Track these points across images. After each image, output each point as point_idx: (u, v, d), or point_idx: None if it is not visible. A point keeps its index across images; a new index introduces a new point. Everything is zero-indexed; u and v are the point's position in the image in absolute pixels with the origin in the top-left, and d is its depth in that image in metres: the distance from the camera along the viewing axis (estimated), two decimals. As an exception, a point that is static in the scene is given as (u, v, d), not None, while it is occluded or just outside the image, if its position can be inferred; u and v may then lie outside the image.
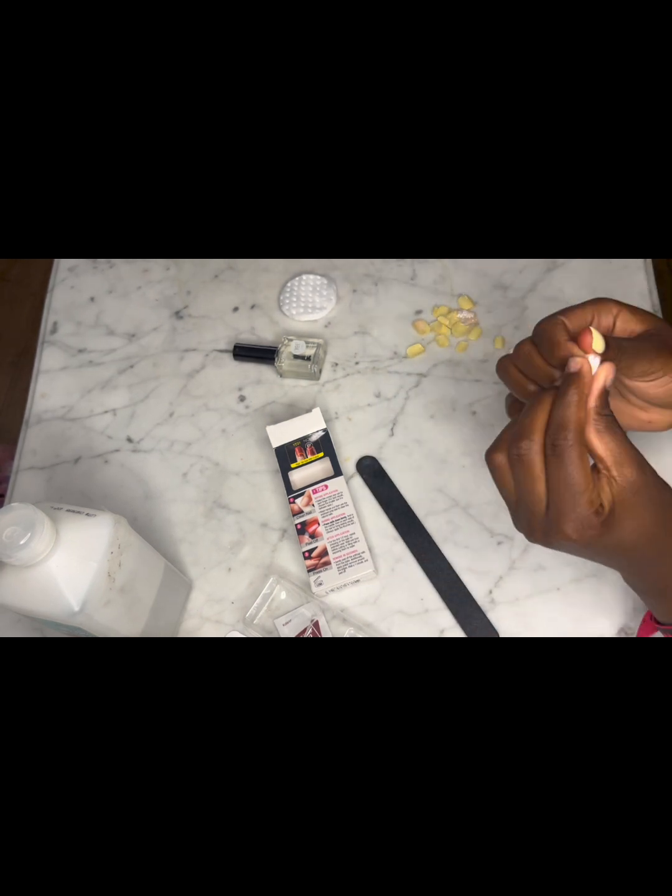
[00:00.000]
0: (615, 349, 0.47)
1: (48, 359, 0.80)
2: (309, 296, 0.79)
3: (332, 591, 0.65)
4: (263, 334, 0.79)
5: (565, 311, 0.48)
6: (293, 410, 0.74)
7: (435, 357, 0.75)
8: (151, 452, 0.74)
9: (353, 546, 0.64)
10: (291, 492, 0.68)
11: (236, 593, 0.66)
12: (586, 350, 0.45)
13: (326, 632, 0.63)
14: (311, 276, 0.80)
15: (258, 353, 0.76)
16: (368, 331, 0.78)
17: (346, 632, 0.63)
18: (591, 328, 0.46)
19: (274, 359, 0.75)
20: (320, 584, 0.63)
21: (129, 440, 0.75)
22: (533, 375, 0.49)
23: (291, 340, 0.75)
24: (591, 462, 0.44)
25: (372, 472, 0.70)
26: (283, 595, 0.65)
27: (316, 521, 0.66)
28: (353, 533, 0.65)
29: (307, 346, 0.75)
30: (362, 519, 0.68)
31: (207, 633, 0.65)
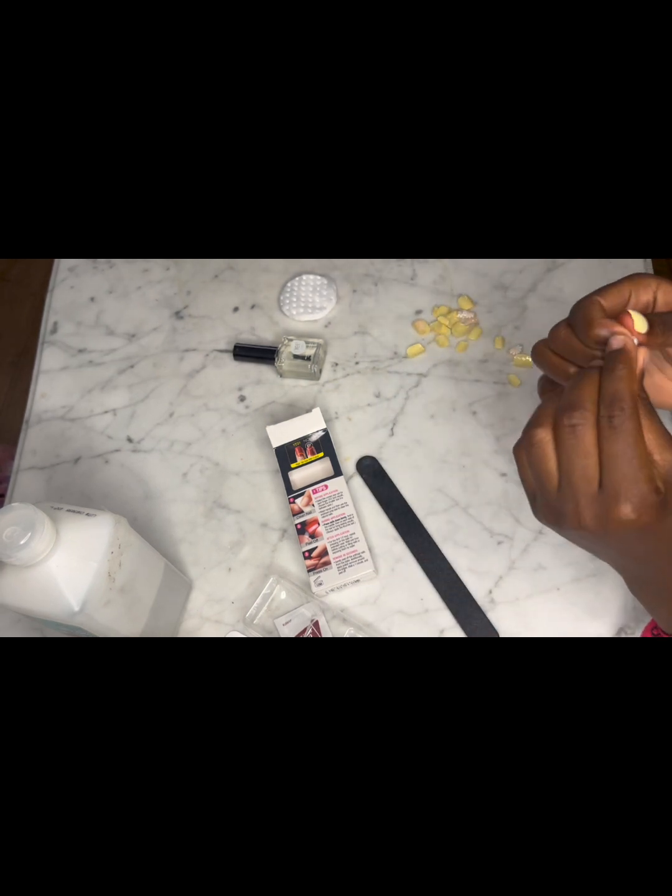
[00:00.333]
0: (660, 325, 0.45)
1: (48, 359, 0.80)
2: (309, 296, 0.79)
3: (332, 591, 0.65)
4: (263, 334, 0.79)
5: (601, 290, 0.46)
6: (293, 410, 0.74)
7: (435, 357, 0.75)
8: (151, 452, 0.74)
9: (353, 546, 0.64)
10: (291, 492, 0.68)
11: (236, 593, 0.66)
12: (631, 332, 0.43)
13: (326, 632, 0.63)
14: (311, 276, 0.80)
15: (258, 353, 0.76)
16: (368, 331, 0.78)
17: (346, 632, 0.63)
18: (630, 311, 0.44)
19: (274, 359, 0.75)
20: (320, 584, 0.63)
21: (130, 440, 0.75)
22: (572, 358, 0.46)
23: (291, 340, 0.75)
24: None
25: (372, 472, 0.70)
26: (283, 595, 0.65)
27: (316, 521, 0.66)
28: (353, 533, 0.65)
29: (307, 346, 0.75)
30: (362, 519, 0.68)
31: (207, 633, 0.65)
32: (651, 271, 0.77)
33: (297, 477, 0.69)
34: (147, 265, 0.85)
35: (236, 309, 0.81)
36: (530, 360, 0.73)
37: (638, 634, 0.61)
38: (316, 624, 0.63)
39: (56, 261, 0.87)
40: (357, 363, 0.76)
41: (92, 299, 0.83)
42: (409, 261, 0.81)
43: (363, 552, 0.64)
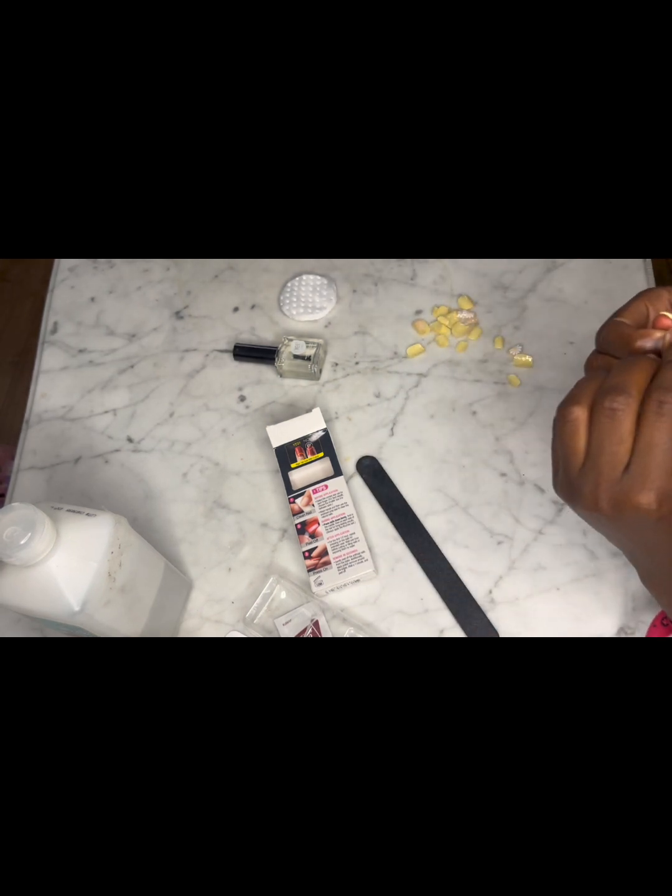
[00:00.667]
0: None
1: (48, 359, 0.80)
2: (309, 296, 0.79)
3: (332, 590, 0.65)
4: (263, 334, 0.79)
5: (618, 312, 0.46)
6: (293, 410, 0.74)
7: (435, 357, 0.75)
8: (152, 452, 0.74)
9: (353, 546, 0.64)
10: (291, 492, 0.68)
11: (236, 593, 0.66)
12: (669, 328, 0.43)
13: (326, 632, 0.63)
14: (311, 276, 0.80)
15: (258, 353, 0.77)
16: (368, 331, 0.78)
17: (346, 632, 0.63)
18: (665, 313, 0.44)
19: (274, 359, 0.75)
20: (320, 583, 0.63)
21: (130, 440, 0.75)
22: (625, 344, 0.45)
23: (291, 340, 0.75)
24: None
25: (372, 472, 0.70)
26: (283, 595, 0.65)
27: (316, 521, 0.66)
28: (353, 533, 0.65)
29: (307, 346, 0.75)
30: (362, 519, 0.68)
31: (207, 633, 0.65)
32: (651, 271, 0.77)
33: (297, 477, 0.69)
34: (147, 265, 0.85)
35: (236, 309, 0.81)
36: (530, 360, 0.73)
37: (638, 634, 0.61)
38: (316, 624, 0.63)
39: (56, 261, 0.87)
40: (357, 363, 0.76)
41: (92, 299, 0.83)
42: (409, 261, 0.81)
43: (363, 552, 0.64)
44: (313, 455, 0.69)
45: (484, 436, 0.71)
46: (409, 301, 0.79)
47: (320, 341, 0.75)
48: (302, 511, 0.67)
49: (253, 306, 0.81)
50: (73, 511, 0.53)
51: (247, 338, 0.79)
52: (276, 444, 0.70)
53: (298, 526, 0.66)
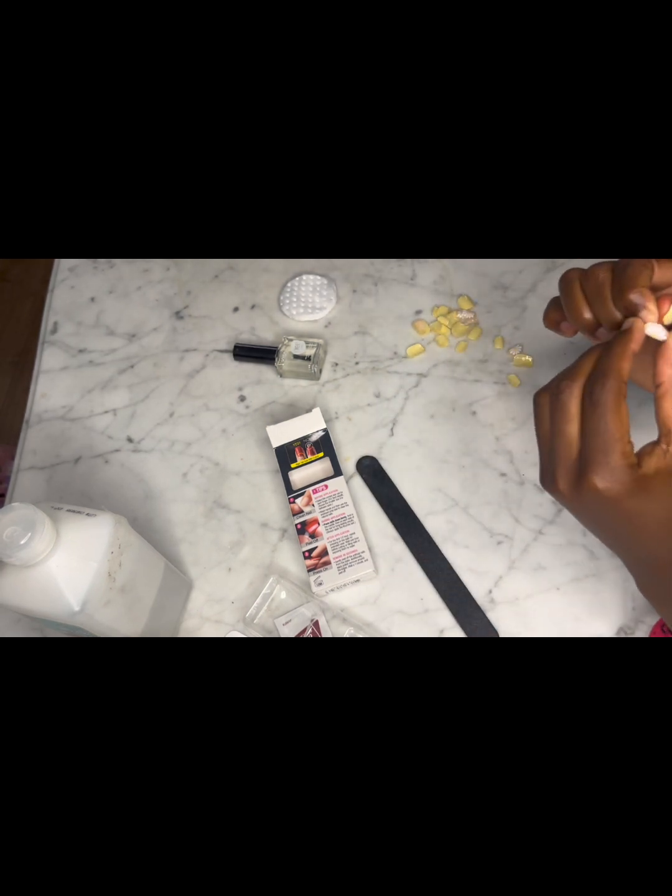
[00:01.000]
0: None
1: (48, 359, 0.80)
2: (309, 296, 0.79)
3: (332, 590, 0.65)
4: (263, 334, 0.79)
5: (659, 260, 0.47)
6: (293, 410, 0.74)
7: (435, 357, 0.75)
8: (151, 452, 0.74)
9: (353, 546, 0.65)
10: (291, 492, 0.68)
11: (236, 593, 0.66)
12: (661, 316, 0.44)
13: (326, 632, 0.63)
14: (311, 276, 0.80)
15: (258, 353, 0.77)
16: (368, 331, 0.78)
17: (346, 632, 0.63)
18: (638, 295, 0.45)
19: (274, 359, 0.75)
20: (320, 583, 0.63)
21: (130, 440, 0.75)
22: (593, 304, 0.47)
23: (291, 340, 0.75)
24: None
25: (372, 472, 0.70)
26: (283, 595, 0.65)
27: (316, 521, 0.66)
28: (353, 533, 0.65)
29: (307, 346, 0.75)
30: (362, 519, 0.68)
31: (207, 633, 0.65)
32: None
33: (297, 477, 0.69)
34: (147, 265, 0.85)
35: (236, 309, 0.81)
36: (530, 360, 0.73)
37: (638, 634, 0.61)
38: (316, 624, 0.63)
39: (56, 261, 0.87)
40: (357, 363, 0.76)
41: (92, 299, 0.83)
42: (409, 261, 0.81)
43: (363, 552, 0.64)
44: (313, 455, 0.69)
45: (484, 436, 0.71)
46: (409, 301, 0.79)
47: (320, 341, 0.75)
48: (302, 511, 0.67)
49: (253, 306, 0.81)
50: (73, 511, 0.53)
51: (247, 338, 0.79)
52: (276, 444, 0.70)
53: (298, 526, 0.66)
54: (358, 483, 0.70)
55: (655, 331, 0.46)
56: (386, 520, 0.68)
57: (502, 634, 0.62)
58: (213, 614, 0.66)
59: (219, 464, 0.73)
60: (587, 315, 0.48)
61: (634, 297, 0.46)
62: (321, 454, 0.69)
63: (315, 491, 0.67)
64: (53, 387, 0.79)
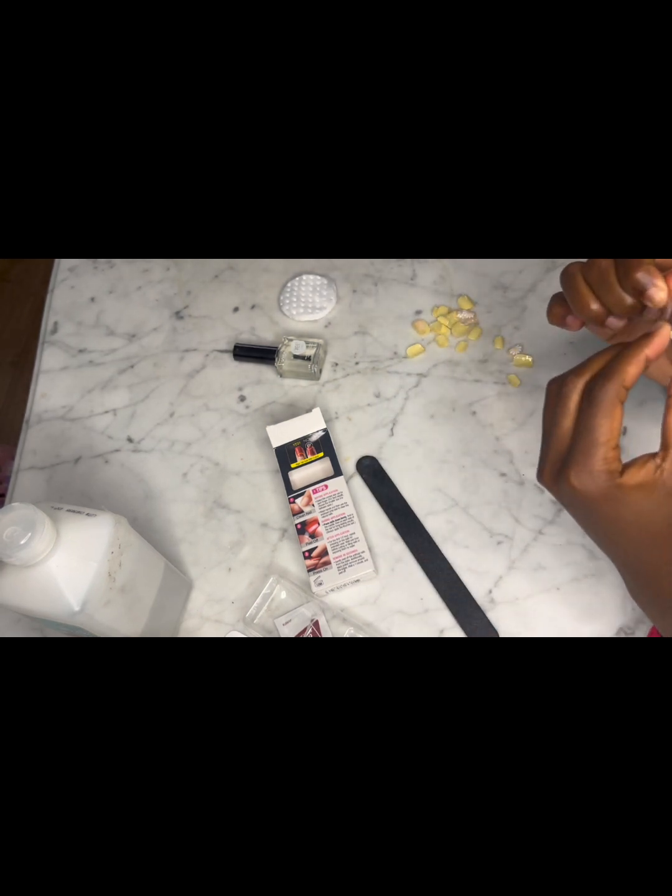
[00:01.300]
0: None
1: (48, 359, 0.80)
2: (309, 296, 0.79)
3: (332, 590, 0.65)
4: (263, 334, 0.79)
5: (656, 260, 0.46)
6: (293, 410, 0.74)
7: (435, 357, 0.75)
8: (151, 452, 0.74)
9: (353, 546, 0.65)
10: (291, 492, 0.68)
11: (236, 593, 0.66)
12: (670, 291, 0.43)
13: (326, 632, 0.63)
14: (311, 276, 0.80)
15: (258, 353, 0.77)
16: (368, 331, 0.78)
17: (346, 632, 0.63)
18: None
19: (274, 359, 0.75)
20: (320, 583, 0.63)
21: (130, 440, 0.75)
22: (599, 292, 0.46)
23: (291, 340, 0.75)
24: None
25: (372, 472, 0.70)
26: (283, 595, 0.65)
27: (316, 521, 0.66)
28: (353, 533, 0.65)
29: (307, 346, 0.75)
30: (362, 519, 0.68)
31: (207, 633, 0.65)
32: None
33: (297, 477, 0.69)
34: (147, 265, 0.85)
35: (236, 309, 0.81)
36: (530, 360, 0.73)
37: (638, 634, 0.61)
38: (316, 624, 0.63)
39: (56, 261, 0.87)
40: (357, 363, 0.76)
41: (92, 299, 0.83)
42: (409, 261, 0.81)
43: (363, 552, 0.64)
44: (313, 455, 0.69)
45: (484, 436, 0.71)
46: (409, 301, 0.79)
47: (320, 341, 0.75)
48: (302, 511, 0.67)
49: (253, 306, 0.81)
50: (73, 511, 0.53)
51: (247, 338, 0.79)
52: (276, 444, 0.70)
53: (298, 526, 0.66)
54: (358, 483, 0.70)
55: None
56: (386, 520, 0.68)
57: (502, 634, 0.62)
58: (213, 614, 0.66)
59: (219, 464, 0.73)
60: (594, 305, 0.47)
61: (641, 276, 0.45)
62: (321, 454, 0.69)
63: (315, 491, 0.67)
64: (53, 387, 0.79)
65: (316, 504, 0.67)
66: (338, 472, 0.68)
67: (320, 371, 0.76)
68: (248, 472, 0.72)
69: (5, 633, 0.66)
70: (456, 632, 0.63)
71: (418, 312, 0.78)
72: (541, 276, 0.78)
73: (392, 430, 0.72)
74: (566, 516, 0.66)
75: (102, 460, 0.74)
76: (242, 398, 0.76)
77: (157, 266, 0.84)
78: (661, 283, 0.44)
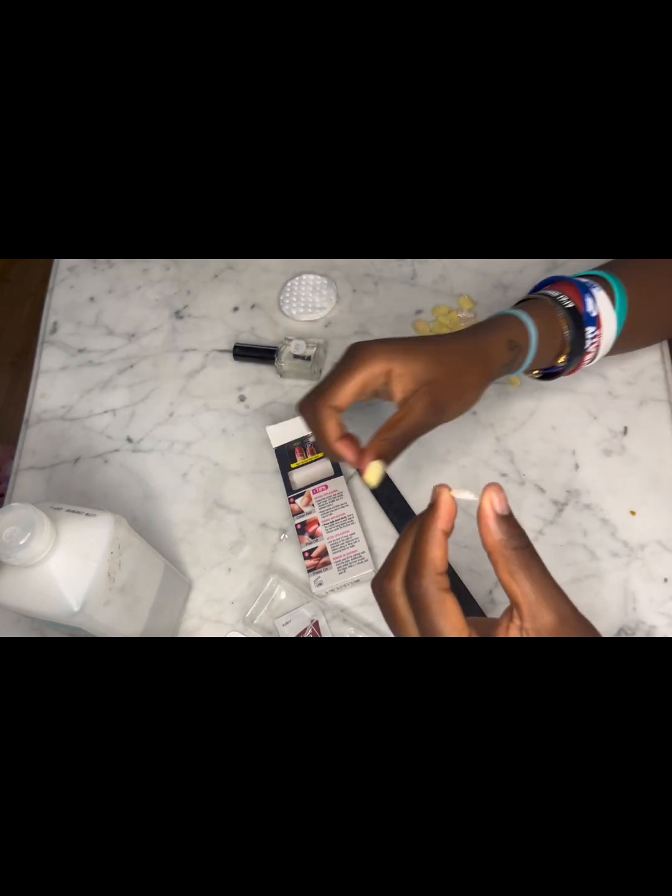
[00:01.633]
0: (390, 444, 0.51)
1: (48, 359, 0.80)
2: (309, 296, 0.79)
3: (332, 591, 0.64)
4: (263, 334, 0.79)
5: (327, 390, 0.52)
6: (293, 410, 0.74)
7: (435, 357, 0.75)
8: (151, 452, 0.74)
9: (353, 546, 0.64)
10: (291, 492, 0.68)
11: (236, 593, 0.66)
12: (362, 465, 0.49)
13: (326, 632, 0.63)
14: (311, 276, 0.80)
15: (258, 353, 0.76)
16: (368, 331, 0.78)
17: (347, 632, 0.63)
18: (371, 463, 0.48)
19: (274, 359, 0.75)
20: (320, 584, 0.63)
21: (129, 440, 0.75)
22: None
23: (291, 340, 0.75)
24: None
25: (372, 472, 0.70)
26: (283, 595, 0.65)
27: (316, 521, 0.66)
28: (353, 533, 0.65)
29: (307, 346, 0.75)
30: (362, 519, 0.68)
31: (207, 633, 0.65)
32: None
33: (298, 477, 0.69)
34: (147, 265, 0.85)
35: (236, 309, 0.81)
36: (530, 360, 0.73)
37: (638, 634, 0.61)
38: (316, 624, 0.63)
39: (56, 261, 0.87)
40: (357, 363, 0.76)
41: (92, 299, 0.83)
42: (409, 261, 0.81)
43: (363, 552, 0.64)
44: (313, 455, 0.69)
45: (484, 436, 0.71)
46: (410, 301, 0.78)
47: (320, 341, 0.75)
48: (302, 511, 0.66)
49: (253, 306, 0.81)
50: (73, 511, 0.53)
51: (247, 338, 0.79)
52: (276, 444, 0.70)
53: (298, 526, 0.66)
54: (358, 483, 0.70)
55: (463, 496, 0.42)
56: (386, 520, 0.68)
57: (502, 635, 0.62)
58: (212, 614, 0.66)
59: (219, 464, 0.72)
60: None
61: (346, 457, 0.51)
62: (321, 454, 0.69)
63: (315, 491, 0.67)
64: (53, 387, 0.78)
65: (316, 504, 0.67)
66: (338, 472, 0.68)
67: (320, 371, 0.76)
68: (248, 472, 0.72)
69: (5, 634, 0.66)
70: (456, 632, 0.63)
71: (419, 312, 0.78)
72: (541, 276, 0.78)
73: (392, 430, 0.72)
74: (566, 516, 0.66)
75: (102, 460, 0.74)
76: (242, 398, 0.76)
77: (157, 266, 0.84)
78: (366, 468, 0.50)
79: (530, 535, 0.65)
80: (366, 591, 0.65)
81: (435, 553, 0.40)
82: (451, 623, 0.39)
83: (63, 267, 0.86)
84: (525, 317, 0.58)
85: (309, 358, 0.74)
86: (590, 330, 0.60)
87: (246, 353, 0.77)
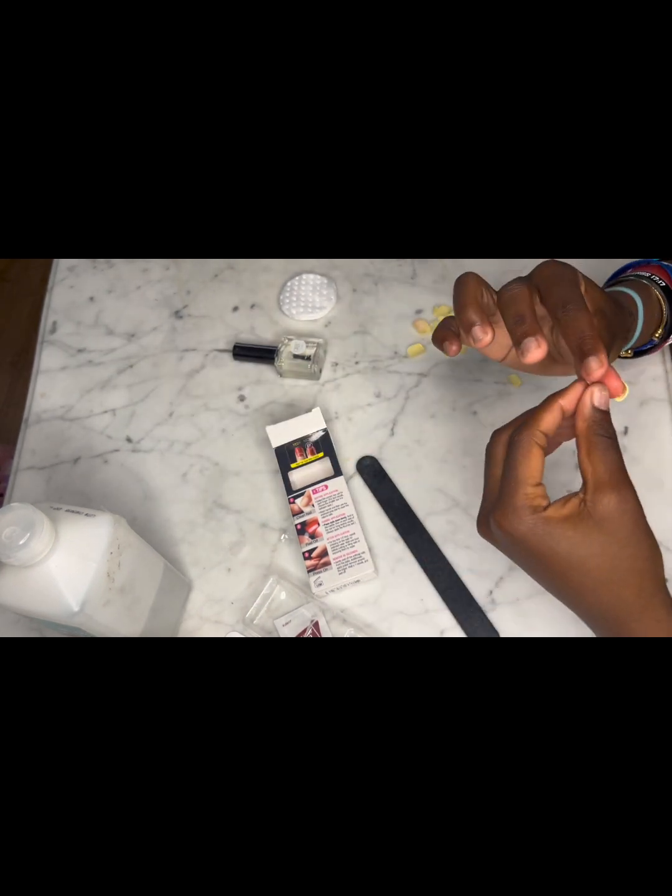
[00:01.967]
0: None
1: (48, 358, 0.80)
2: (309, 295, 0.79)
3: (332, 591, 0.64)
4: (263, 334, 0.79)
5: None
6: (293, 410, 0.74)
7: (435, 357, 0.75)
8: (151, 452, 0.74)
9: (353, 546, 0.64)
10: (291, 492, 0.68)
11: (236, 593, 0.66)
12: (613, 393, 0.46)
13: (326, 632, 0.63)
14: (311, 276, 0.80)
15: (258, 353, 0.76)
16: (368, 330, 0.78)
17: (347, 632, 0.63)
18: (616, 382, 0.46)
19: (274, 359, 0.75)
20: (320, 584, 0.63)
21: (129, 440, 0.75)
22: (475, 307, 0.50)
23: (291, 340, 0.75)
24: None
25: (372, 472, 0.70)
26: (282, 595, 0.65)
27: (316, 522, 0.66)
28: (353, 533, 0.65)
29: (307, 346, 0.75)
30: (362, 519, 0.68)
31: (207, 634, 0.65)
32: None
33: (297, 477, 0.69)
34: (147, 265, 0.84)
35: (236, 308, 0.81)
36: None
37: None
38: (316, 624, 0.63)
39: (55, 261, 0.87)
40: (357, 363, 0.76)
41: (91, 299, 0.83)
42: (409, 261, 0.81)
43: (363, 552, 0.64)
44: (313, 455, 0.69)
45: (484, 436, 0.70)
46: (410, 300, 0.78)
47: (320, 341, 0.75)
48: (302, 511, 0.66)
49: (253, 306, 0.81)
50: (72, 511, 0.53)
51: (246, 337, 0.79)
52: (275, 444, 0.70)
53: (298, 526, 0.66)
54: (358, 483, 0.70)
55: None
56: (386, 520, 0.68)
57: (503, 635, 0.62)
58: (212, 615, 0.66)
59: (218, 464, 0.72)
60: (471, 313, 0.50)
61: (471, 316, 0.49)
62: (321, 454, 0.69)
63: (315, 491, 0.67)
64: (52, 386, 0.78)
65: (316, 504, 0.66)
66: (338, 472, 0.68)
67: (320, 371, 0.75)
68: (248, 472, 0.72)
69: (5, 634, 0.66)
70: (456, 632, 0.63)
71: (419, 312, 0.78)
72: (541, 276, 0.78)
73: (392, 429, 0.72)
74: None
75: (101, 460, 0.74)
76: (242, 398, 0.76)
77: (157, 265, 0.84)
78: (480, 333, 0.48)
79: (530, 535, 0.65)
80: (366, 591, 0.65)
81: (547, 416, 0.46)
82: (528, 467, 0.45)
83: (63, 267, 0.86)
84: (632, 292, 0.60)
85: (309, 357, 0.74)
86: None
87: (246, 352, 0.77)
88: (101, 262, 0.85)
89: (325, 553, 0.64)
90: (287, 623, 0.64)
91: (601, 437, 0.45)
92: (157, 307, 0.82)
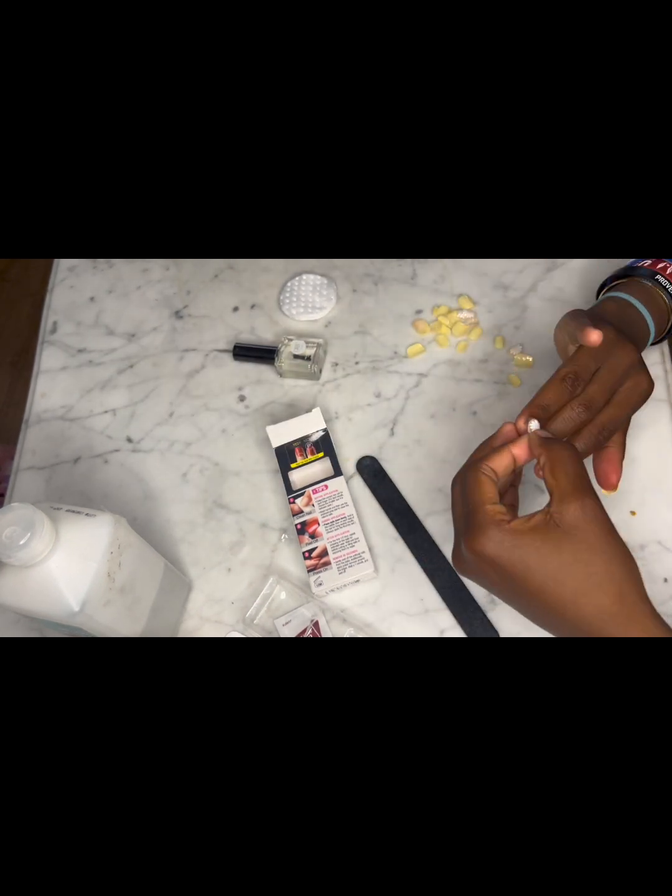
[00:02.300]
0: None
1: (48, 359, 0.80)
2: (309, 296, 0.79)
3: (332, 591, 0.64)
4: (263, 334, 0.79)
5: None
6: (293, 410, 0.74)
7: (435, 357, 0.75)
8: (151, 452, 0.74)
9: (353, 546, 0.64)
10: (291, 492, 0.68)
11: (236, 593, 0.66)
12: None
13: (326, 632, 0.63)
14: (311, 276, 0.80)
15: (258, 353, 0.76)
16: (368, 331, 0.78)
17: (346, 632, 0.63)
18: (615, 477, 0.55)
19: (274, 359, 0.75)
20: (320, 584, 0.63)
21: (129, 440, 0.75)
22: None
23: (291, 340, 0.75)
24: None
25: (372, 472, 0.70)
26: (282, 595, 0.65)
27: (316, 521, 0.66)
28: (353, 533, 0.65)
29: (307, 346, 0.75)
30: (362, 519, 0.68)
31: (207, 634, 0.65)
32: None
33: (297, 477, 0.69)
34: (147, 265, 0.85)
35: (236, 309, 0.81)
36: (530, 360, 0.73)
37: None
38: (316, 624, 0.63)
39: (56, 261, 0.87)
40: (357, 363, 0.76)
41: (91, 299, 0.83)
42: (409, 261, 0.81)
43: (363, 552, 0.64)
44: (313, 455, 0.69)
45: (484, 436, 0.70)
46: (410, 301, 0.78)
47: (320, 341, 0.75)
48: (302, 511, 0.66)
49: (253, 306, 0.81)
50: (73, 511, 0.53)
51: (247, 337, 0.79)
52: (275, 444, 0.70)
53: (298, 526, 0.66)
54: (358, 483, 0.70)
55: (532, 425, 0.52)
56: (386, 520, 0.68)
57: (502, 635, 0.62)
58: (212, 614, 0.66)
59: (219, 464, 0.72)
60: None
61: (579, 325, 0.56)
62: (321, 454, 0.69)
63: (315, 491, 0.67)
64: (53, 386, 0.78)
65: (316, 504, 0.67)
66: (338, 472, 0.68)
67: (320, 371, 0.76)
68: (248, 472, 0.72)
69: (5, 634, 0.66)
70: (456, 632, 0.63)
71: (419, 312, 0.78)
72: (541, 276, 0.78)
73: (392, 430, 0.72)
74: (566, 516, 0.66)
75: (102, 460, 0.74)
76: (242, 398, 0.76)
77: (157, 266, 0.84)
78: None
79: (530, 535, 0.65)
80: (366, 591, 0.65)
81: (493, 457, 0.50)
82: (481, 491, 0.48)
83: (63, 267, 0.86)
84: (627, 296, 0.62)
85: (309, 358, 0.74)
86: None
87: (246, 352, 0.77)
88: (102, 263, 0.85)
89: (325, 553, 0.64)
90: (287, 623, 0.64)
91: (561, 449, 0.47)
92: (158, 307, 0.82)
